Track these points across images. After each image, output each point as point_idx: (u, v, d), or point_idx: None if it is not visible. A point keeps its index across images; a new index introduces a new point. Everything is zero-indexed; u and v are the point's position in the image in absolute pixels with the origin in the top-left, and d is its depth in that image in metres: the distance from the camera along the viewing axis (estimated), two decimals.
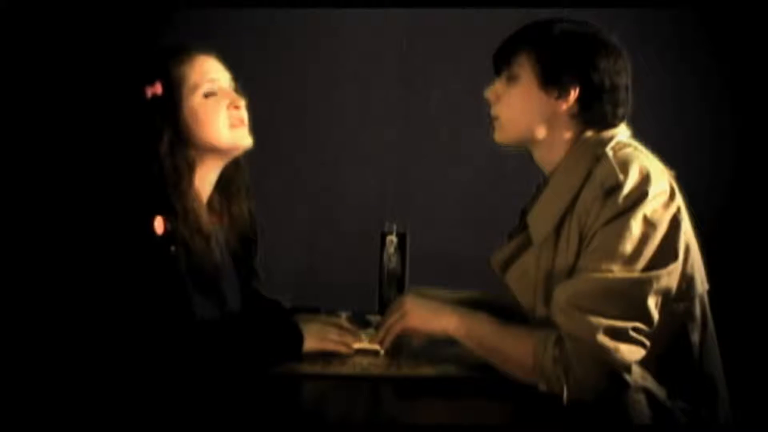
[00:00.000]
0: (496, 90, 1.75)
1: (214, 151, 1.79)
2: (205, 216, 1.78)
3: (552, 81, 1.68)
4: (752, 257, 2.99)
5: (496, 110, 1.75)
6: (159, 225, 1.66)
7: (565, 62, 1.68)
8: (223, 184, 1.86)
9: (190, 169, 1.75)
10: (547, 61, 1.68)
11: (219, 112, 1.77)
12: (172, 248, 1.67)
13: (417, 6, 3.06)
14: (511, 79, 1.72)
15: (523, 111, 1.71)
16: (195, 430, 1.46)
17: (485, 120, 1.78)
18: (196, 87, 1.76)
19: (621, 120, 1.71)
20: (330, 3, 3.04)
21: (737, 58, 3.05)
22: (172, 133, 1.73)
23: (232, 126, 1.78)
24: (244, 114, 1.80)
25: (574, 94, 1.68)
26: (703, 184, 2.72)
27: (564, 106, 1.69)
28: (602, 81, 1.67)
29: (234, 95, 1.80)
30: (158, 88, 1.73)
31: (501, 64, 1.75)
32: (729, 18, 3.01)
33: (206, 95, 1.77)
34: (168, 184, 1.70)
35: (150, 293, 1.63)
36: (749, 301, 2.87)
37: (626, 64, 1.71)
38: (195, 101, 1.76)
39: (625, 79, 1.70)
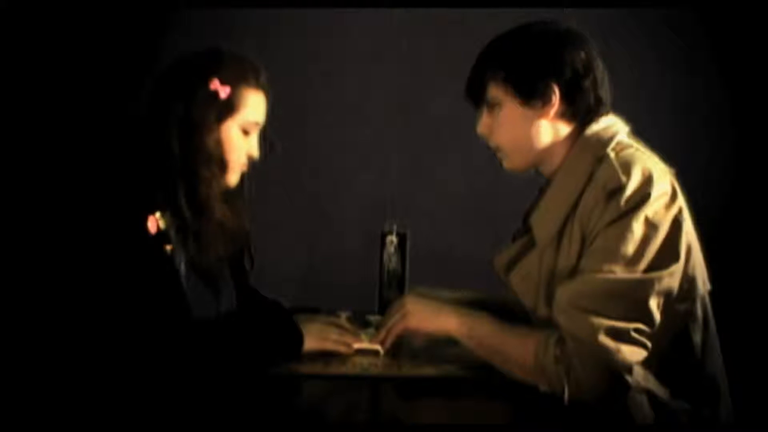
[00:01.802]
0: (485, 123, 1.74)
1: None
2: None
3: (531, 95, 1.68)
4: (753, 257, 2.99)
5: (494, 142, 1.74)
6: (152, 224, 1.65)
7: (534, 72, 1.67)
8: None
9: (221, 168, 1.76)
10: (517, 80, 1.68)
11: (239, 151, 1.78)
12: (168, 247, 1.67)
13: (417, 6, 3.06)
14: (494, 107, 1.72)
15: (519, 132, 1.70)
16: (195, 431, 1.46)
17: None
18: (245, 118, 1.77)
19: (607, 103, 1.71)
20: (330, 3, 3.04)
21: (737, 58, 3.05)
22: (217, 132, 1.74)
23: (238, 167, 1.79)
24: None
25: (555, 95, 1.67)
26: (703, 184, 2.71)
27: (551, 111, 1.69)
28: (575, 69, 1.67)
29: (256, 148, 1.81)
30: (227, 92, 1.74)
31: (477, 98, 1.74)
32: (729, 18, 3.01)
33: (243, 130, 1.78)
34: (197, 175, 1.71)
35: (148, 291, 1.63)
36: (751, 301, 2.87)
37: (587, 43, 1.70)
38: (233, 127, 1.77)
39: (593, 56, 1.69)
